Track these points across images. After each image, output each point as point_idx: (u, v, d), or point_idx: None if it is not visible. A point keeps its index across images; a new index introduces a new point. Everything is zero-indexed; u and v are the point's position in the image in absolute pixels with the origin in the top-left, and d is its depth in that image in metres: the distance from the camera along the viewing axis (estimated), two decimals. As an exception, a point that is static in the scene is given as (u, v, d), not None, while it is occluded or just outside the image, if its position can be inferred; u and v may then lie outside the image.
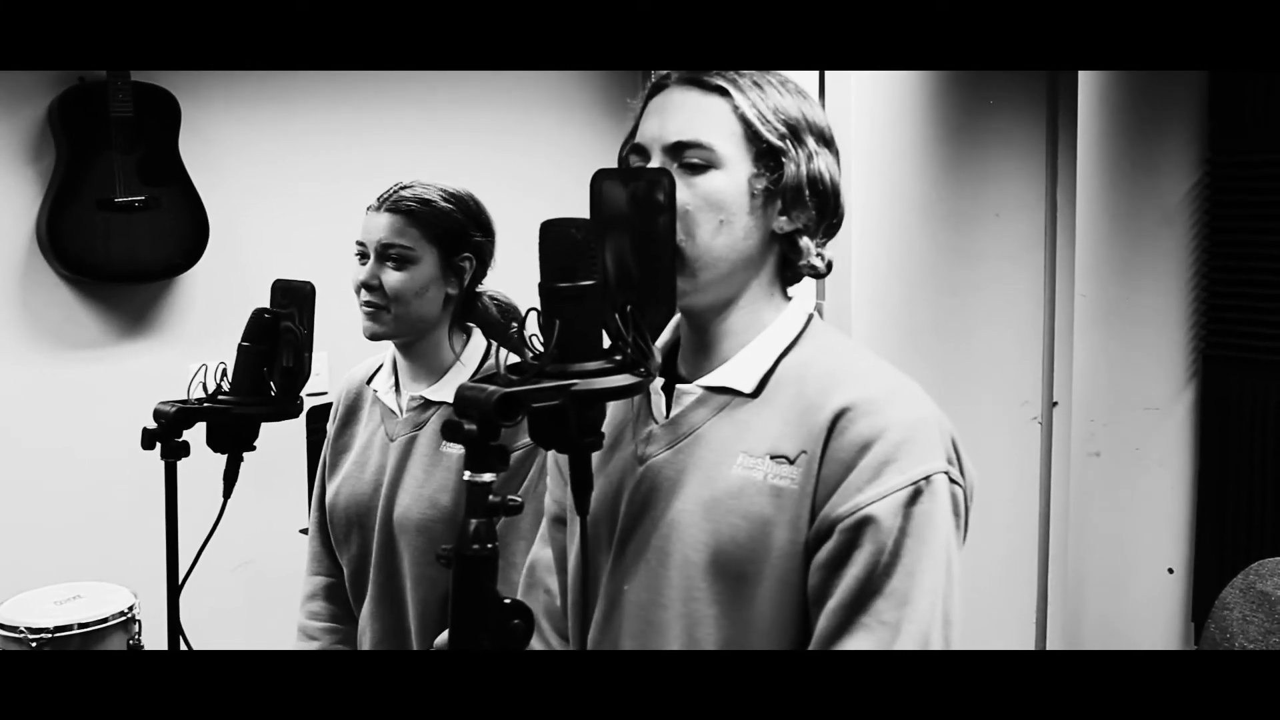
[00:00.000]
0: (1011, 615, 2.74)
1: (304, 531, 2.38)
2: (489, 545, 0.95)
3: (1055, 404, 2.67)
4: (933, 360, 2.57)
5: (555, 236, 1.02)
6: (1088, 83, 2.55)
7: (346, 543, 1.92)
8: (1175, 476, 2.60)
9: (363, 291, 1.82)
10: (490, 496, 0.96)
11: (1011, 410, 2.65)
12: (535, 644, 1.36)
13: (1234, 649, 2.20)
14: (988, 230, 2.55)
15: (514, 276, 2.06)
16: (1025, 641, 2.76)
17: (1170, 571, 2.64)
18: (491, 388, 0.95)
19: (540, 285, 1.02)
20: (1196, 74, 2.47)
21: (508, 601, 0.97)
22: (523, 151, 3.64)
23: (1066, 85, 2.58)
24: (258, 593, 3.24)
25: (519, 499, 0.97)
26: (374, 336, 1.84)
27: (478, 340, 1.92)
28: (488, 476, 0.96)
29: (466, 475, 0.96)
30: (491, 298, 2.00)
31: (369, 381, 1.98)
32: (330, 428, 2.01)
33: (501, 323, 2.00)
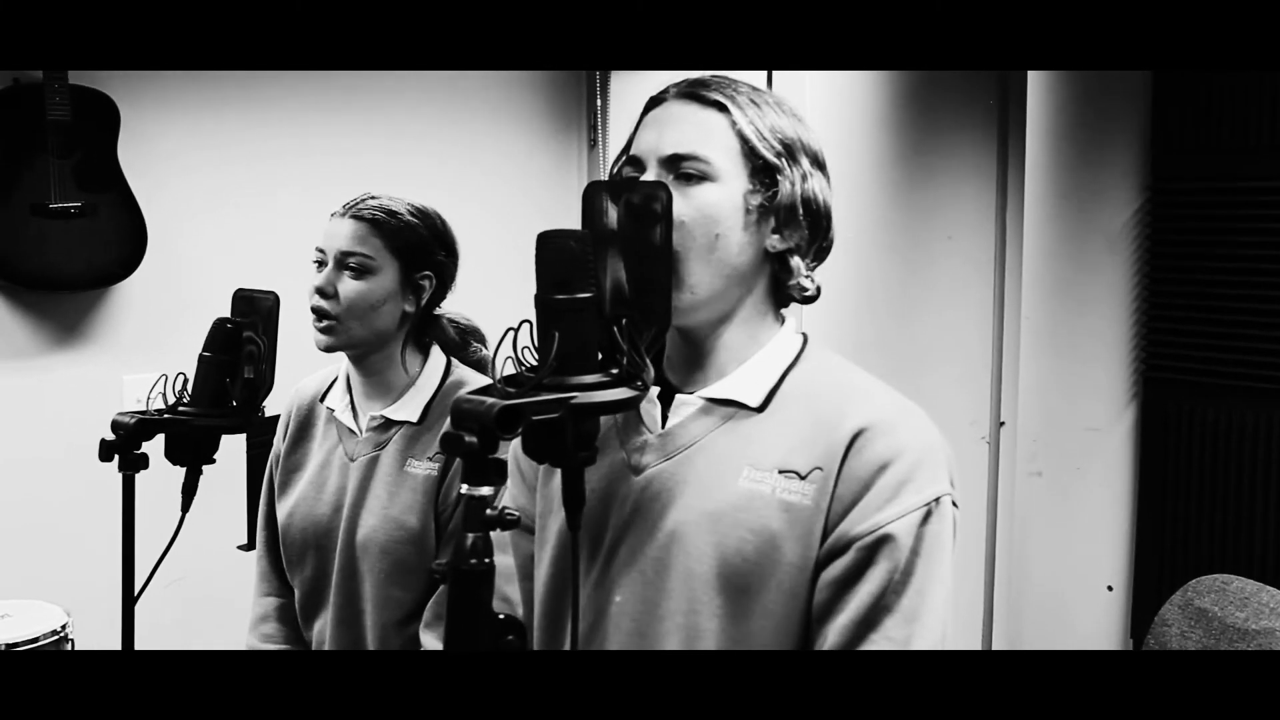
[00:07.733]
0: (957, 630, 2.78)
1: (242, 548, 2.31)
2: (486, 560, 0.94)
3: (1003, 424, 2.71)
4: (883, 379, 2.60)
5: (554, 248, 1.01)
6: (1035, 109, 2.61)
7: (301, 564, 1.86)
8: (1115, 496, 2.66)
9: (316, 298, 1.75)
10: (488, 510, 0.94)
11: (960, 430, 2.69)
12: None
13: (1172, 664, 2.25)
14: (940, 252, 2.59)
15: (476, 295, 2.03)
16: (970, 658, 2.80)
17: (1110, 589, 2.69)
18: (490, 400, 0.93)
19: (536, 297, 1.01)
20: (1139, 102, 2.53)
21: (502, 617, 0.96)
22: (475, 164, 3.59)
23: (1016, 109, 2.64)
24: (194, 608, 3.15)
25: (517, 513, 0.96)
26: (327, 349, 1.78)
27: (437, 358, 1.88)
28: (486, 490, 0.95)
29: (464, 489, 0.95)
30: (450, 320, 1.96)
31: (322, 399, 1.91)
32: (280, 444, 1.94)
33: (459, 344, 1.96)
